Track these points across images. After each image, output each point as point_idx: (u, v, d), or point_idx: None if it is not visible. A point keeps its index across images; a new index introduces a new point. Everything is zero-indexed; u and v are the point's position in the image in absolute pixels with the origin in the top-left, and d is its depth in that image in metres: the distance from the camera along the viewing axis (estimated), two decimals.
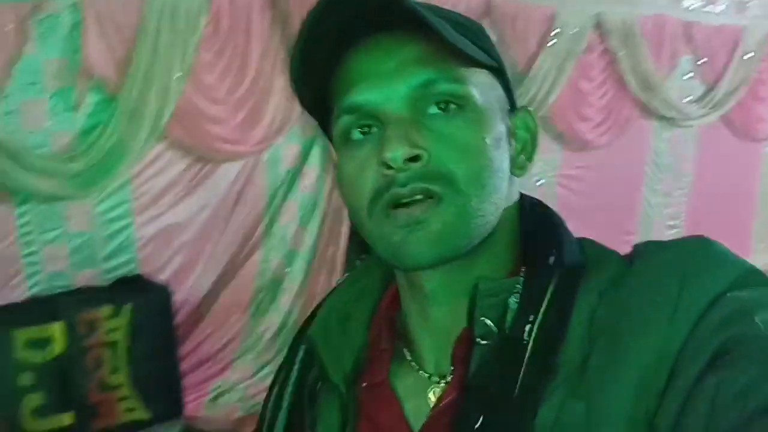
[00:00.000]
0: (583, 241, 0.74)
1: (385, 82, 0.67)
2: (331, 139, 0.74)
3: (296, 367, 0.80)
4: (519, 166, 0.75)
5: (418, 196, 0.66)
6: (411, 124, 0.66)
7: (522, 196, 0.77)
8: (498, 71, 0.74)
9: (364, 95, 0.68)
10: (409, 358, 0.76)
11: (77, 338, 2.92)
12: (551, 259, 0.70)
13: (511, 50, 4.36)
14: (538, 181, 4.62)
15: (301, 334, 0.83)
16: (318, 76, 0.71)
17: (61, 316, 2.91)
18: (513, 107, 0.76)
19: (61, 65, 3.09)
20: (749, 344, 0.57)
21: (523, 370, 0.64)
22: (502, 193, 0.70)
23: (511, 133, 0.74)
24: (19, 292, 3.16)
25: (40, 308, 2.98)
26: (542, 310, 0.66)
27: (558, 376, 0.63)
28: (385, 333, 0.78)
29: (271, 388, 0.82)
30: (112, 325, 3.01)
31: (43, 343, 2.86)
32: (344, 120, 0.70)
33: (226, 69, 3.50)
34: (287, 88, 3.60)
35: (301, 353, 0.80)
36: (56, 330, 2.89)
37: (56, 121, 3.16)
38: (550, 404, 0.62)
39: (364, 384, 0.75)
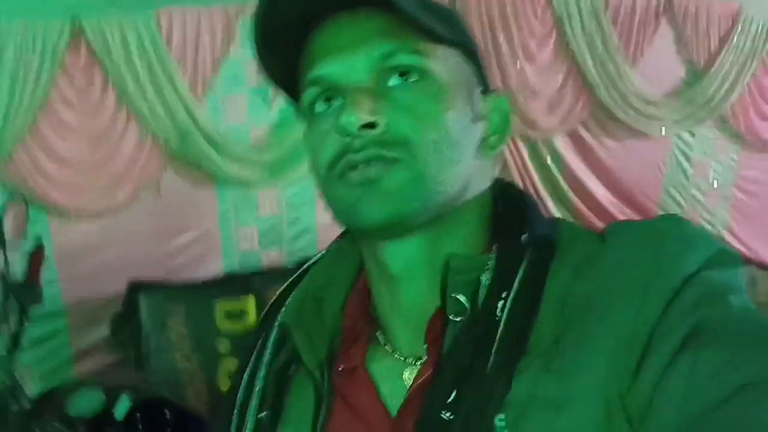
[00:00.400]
0: (558, 221, 0.74)
1: (346, 55, 0.68)
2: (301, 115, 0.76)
3: (269, 349, 0.77)
4: (490, 146, 0.75)
5: (373, 162, 0.66)
6: (370, 93, 0.67)
7: (496, 179, 0.77)
8: (469, 52, 0.74)
9: (327, 68, 0.69)
10: (382, 342, 0.75)
11: None
12: (523, 237, 0.69)
13: (690, 47, 4.25)
14: (715, 182, 4.47)
15: (270, 315, 0.81)
16: (285, 53, 0.72)
17: (254, 292, 3.22)
18: (486, 89, 0.76)
19: None
20: (724, 324, 0.58)
21: (496, 345, 0.63)
22: (464, 167, 0.70)
23: (483, 114, 0.74)
24: (216, 268, 3.52)
25: (238, 283, 3.31)
26: (515, 286, 0.66)
27: (532, 352, 0.63)
28: (360, 318, 0.77)
29: (241, 370, 0.80)
30: None
31: (239, 314, 3.19)
32: (309, 93, 0.71)
33: None
34: None
35: (273, 335, 0.78)
36: (250, 304, 3.21)
37: (254, 115, 3.49)
38: (523, 379, 0.62)
39: (340, 368, 0.74)
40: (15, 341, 2.04)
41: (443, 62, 0.70)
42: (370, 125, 0.66)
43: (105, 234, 3.26)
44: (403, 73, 0.68)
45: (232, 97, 3.44)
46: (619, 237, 0.68)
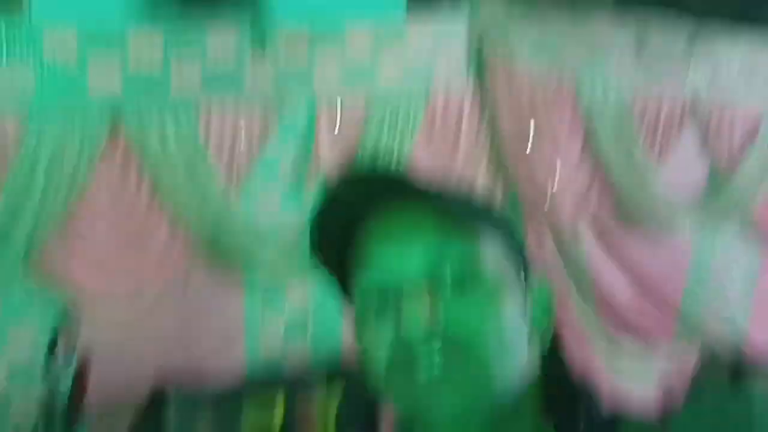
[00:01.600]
0: (617, 415, 0.75)
1: (400, 248, 0.73)
2: (349, 301, 0.79)
3: None
4: (537, 335, 0.78)
5: (436, 359, 0.69)
6: (427, 294, 0.70)
7: (546, 364, 0.79)
8: (510, 234, 0.79)
9: (382, 258, 0.73)
10: None
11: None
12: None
13: (714, 150, 4.27)
14: (735, 286, 4.43)
15: None
16: (338, 241, 0.77)
17: (281, 401, 3.08)
18: (527, 272, 0.79)
19: (295, 158, 3.30)
20: None
21: None
22: (520, 361, 0.73)
23: (528, 306, 0.77)
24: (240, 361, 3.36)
25: (264, 391, 3.15)
26: None
27: None
28: None
29: None
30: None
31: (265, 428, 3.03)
32: (362, 286, 0.75)
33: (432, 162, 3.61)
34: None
35: None
36: (276, 417, 3.07)
37: (286, 210, 3.38)
38: None
39: None
40: None
41: (490, 247, 0.74)
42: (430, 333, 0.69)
43: (129, 335, 3.10)
44: (457, 269, 0.71)
45: (267, 191, 3.35)
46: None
